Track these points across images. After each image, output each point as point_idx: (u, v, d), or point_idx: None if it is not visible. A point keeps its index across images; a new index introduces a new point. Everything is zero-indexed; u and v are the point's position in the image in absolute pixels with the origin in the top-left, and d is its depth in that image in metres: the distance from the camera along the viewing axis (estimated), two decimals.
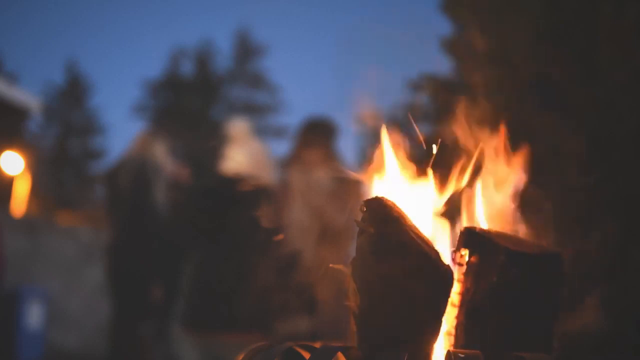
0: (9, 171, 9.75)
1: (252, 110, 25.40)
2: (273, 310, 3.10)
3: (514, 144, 1.34)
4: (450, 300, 1.16)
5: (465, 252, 1.23)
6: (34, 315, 6.76)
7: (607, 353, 1.85)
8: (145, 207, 4.64)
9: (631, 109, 2.10)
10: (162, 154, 4.77)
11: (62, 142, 25.67)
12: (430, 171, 1.28)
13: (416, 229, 1.18)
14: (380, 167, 1.29)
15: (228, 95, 26.84)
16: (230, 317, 3.36)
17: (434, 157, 1.28)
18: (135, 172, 4.65)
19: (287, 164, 3.69)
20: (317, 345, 1.17)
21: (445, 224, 1.31)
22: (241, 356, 1.22)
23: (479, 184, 1.32)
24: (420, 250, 1.12)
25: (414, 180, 1.30)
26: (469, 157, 1.31)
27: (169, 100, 26.37)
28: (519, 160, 1.32)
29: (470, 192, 1.32)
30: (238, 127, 3.85)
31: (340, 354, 1.10)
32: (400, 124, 1.33)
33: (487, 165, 1.32)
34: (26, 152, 10.20)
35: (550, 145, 2.02)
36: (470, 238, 1.23)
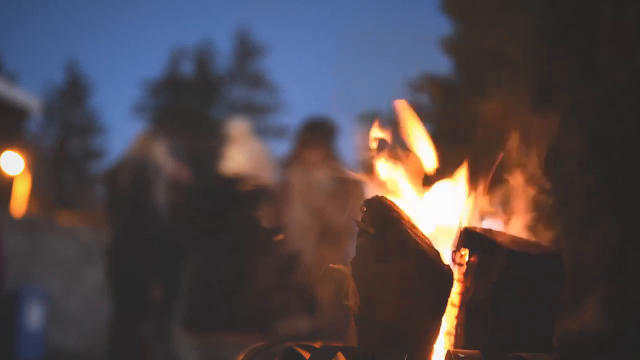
0: (9, 171, 9.75)
1: (252, 110, 25.39)
2: (273, 310, 3.10)
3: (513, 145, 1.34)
4: (450, 300, 1.16)
5: (465, 252, 1.23)
6: (34, 315, 6.75)
7: (607, 353, 1.85)
8: (145, 207, 4.63)
9: (631, 109, 2.10)
10: (162, 154, 4.77)
11: (62, 142, 25.67)
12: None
13: (416, 228, 1.18)
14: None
15: (228, 95, 26.83)
16: (230, 317, 3.36)
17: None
18: (135, 172, 4.65)
19: (287, 164, 3.69)
20: (317, 345, 1.17)
21: (445, 224, 1.31)
22: (241, 356, 1.22)
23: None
24: (420, 250, 1.12)
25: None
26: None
27: (169, 100, 26.36)
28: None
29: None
30: (238, 127, 3.85)
31: (340, 354, 1.10)
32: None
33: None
34: (26, 152, 10.19)
35: (550, 145, 2.01)
36: (470, 238, 1.23)
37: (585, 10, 2.22)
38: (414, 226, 1.17)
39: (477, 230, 1.24)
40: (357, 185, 1.39)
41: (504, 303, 1.17)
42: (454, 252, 1.24)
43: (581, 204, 1.93)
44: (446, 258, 1.20)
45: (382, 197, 1.18)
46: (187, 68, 27.21)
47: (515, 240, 1.24)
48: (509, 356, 1.08)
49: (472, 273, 1.21)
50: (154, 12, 52.75)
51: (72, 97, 26.55)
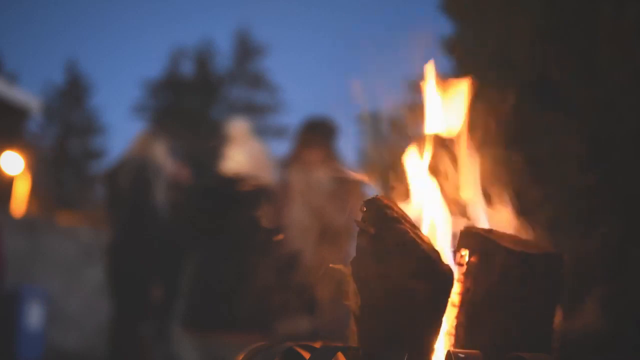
0: (9, 171, 9.75)
1: (252, 110, 25.40)
2: (273, 310, 3.10)
3: (513, 145, 1.34)
4: (450, 300, 1.16)
5: (465, 252, 1.23)
6: (34, 315, 6.75)
7: (607, 353, 1.85)
8: (145, 207, 4.63)
9: (631, 109, 2.10)
10: (162, 154, 4.77)
11: (62, 142, 25.67)
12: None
13: (416, 228, 1.18)
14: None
15: (228, 95, 26.84)
16: (230, 317, 3.35)
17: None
18: (135, 172, 4.64)
19: (287, 164, 3.68)
20: (317, 345, 1.17)
21: (445, 223, 1.31)
22: (241, 356, 1.22)
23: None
24: (420, 250, 1.12)
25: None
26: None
27: (169, 100, 26.36)
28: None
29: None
30: (238, 127, 3.85)
31: (340, 354, 1.10)
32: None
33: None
34: (26, 152, 10.20)
35: (551, 146, 2.01)
36: (470, 238, 1.23)
37: (585, 10, 2.22)
38: (414, 226, 1.17)
39: (477, 230, 1.24)
40: (357, 185, 1.39)
41: (504, 303, 1.17)
42: (454, 252, 1.25)
43: (581, 204, 1.93)
44: (446, 258, 1.20)
45: (382, 197, 1.18)
46: (187, 68, 27.23)
47: (515, 240, 1.24)
48: (509, 356, 1.08)
49: (472, 273, 1.21)
50: (154, 12, 52.77)
51: (72, 97, 26.55)
